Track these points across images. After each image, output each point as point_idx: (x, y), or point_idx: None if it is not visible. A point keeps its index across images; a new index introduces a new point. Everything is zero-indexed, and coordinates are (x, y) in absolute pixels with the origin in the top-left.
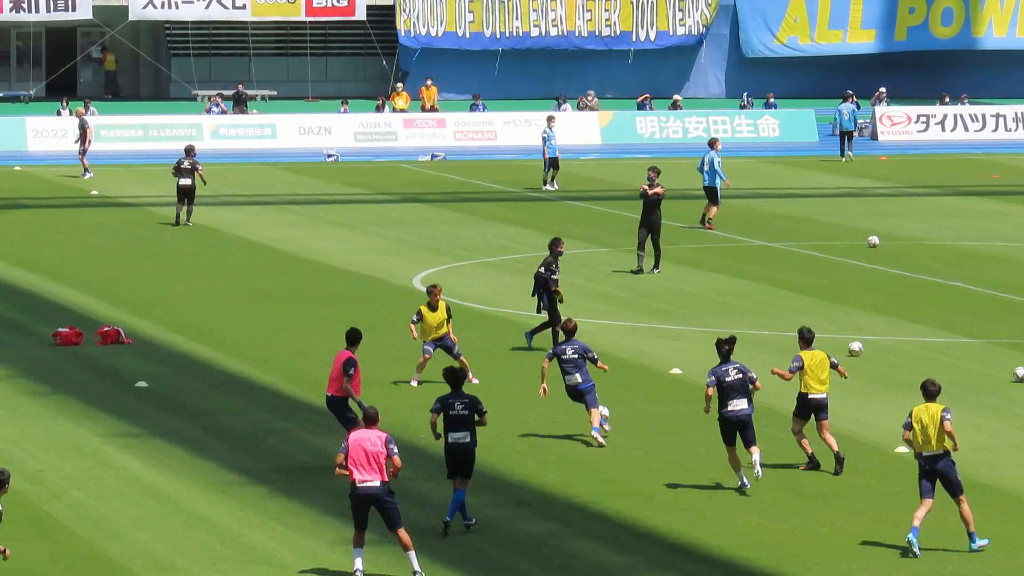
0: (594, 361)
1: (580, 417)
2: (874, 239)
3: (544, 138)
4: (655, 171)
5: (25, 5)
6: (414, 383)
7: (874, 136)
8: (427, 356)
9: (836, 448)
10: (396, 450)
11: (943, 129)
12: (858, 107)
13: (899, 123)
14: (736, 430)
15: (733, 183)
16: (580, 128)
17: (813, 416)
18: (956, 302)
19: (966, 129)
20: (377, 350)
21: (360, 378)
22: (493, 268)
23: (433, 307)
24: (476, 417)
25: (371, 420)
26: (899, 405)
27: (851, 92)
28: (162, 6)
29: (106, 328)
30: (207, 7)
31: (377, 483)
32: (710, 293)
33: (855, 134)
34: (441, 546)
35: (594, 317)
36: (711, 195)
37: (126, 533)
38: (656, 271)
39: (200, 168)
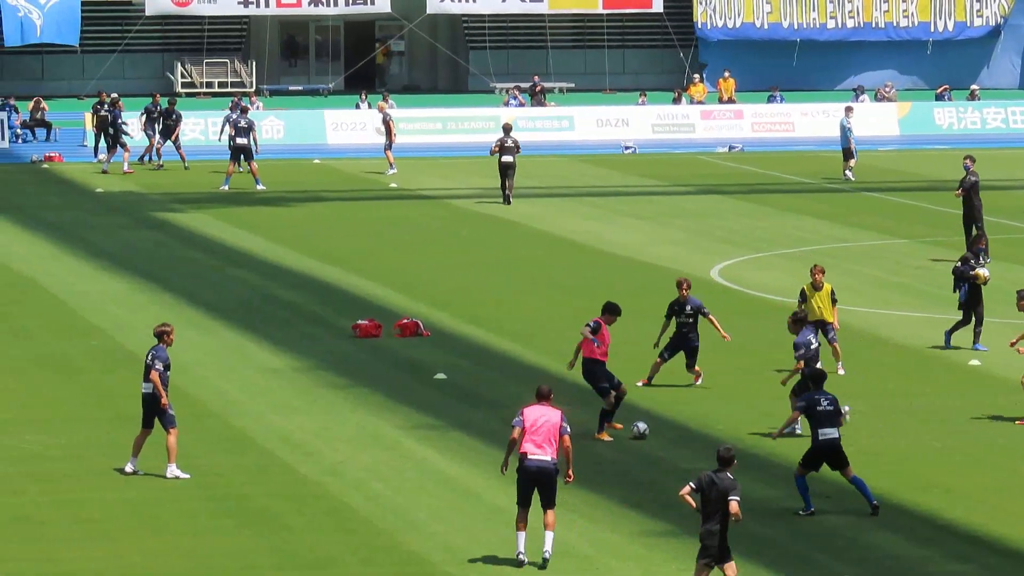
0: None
1: (873, 410)
2: None
3: (846, 128)
4: (971, 159)
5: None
6: (841, 371)
7: None
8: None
9: None
10: (569, 430)
11: None
12: None
13: None
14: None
15: None
16: (878, 119)
17: None
18: None
19: None
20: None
21: (607, 348)
22: (791, 260)
23: (817, 287)
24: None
25: (543, 396)
26: None
27: None
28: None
29: (405, 320)
30: (504, 1)
31: (549, 459)
32: (1009, 285)
33: None
34: (737, 538)
35: (893, 308)
36: None
37: (425, 525)
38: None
39: (519, 146)
